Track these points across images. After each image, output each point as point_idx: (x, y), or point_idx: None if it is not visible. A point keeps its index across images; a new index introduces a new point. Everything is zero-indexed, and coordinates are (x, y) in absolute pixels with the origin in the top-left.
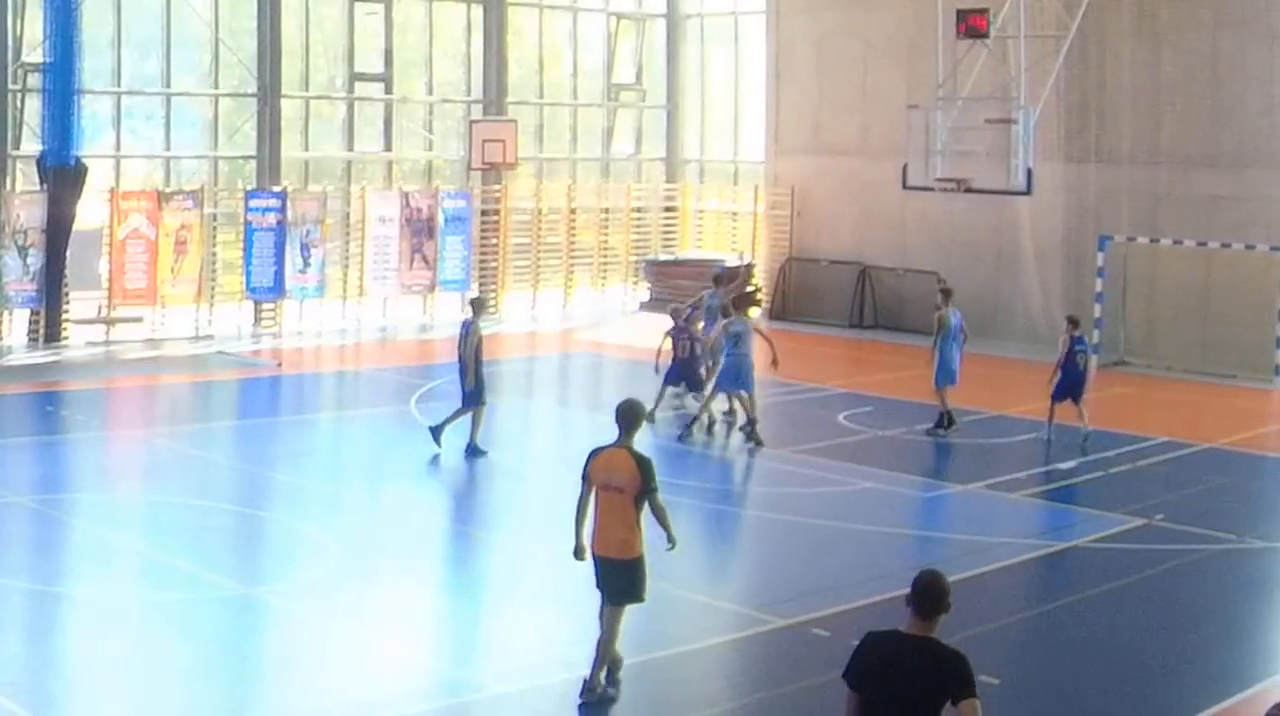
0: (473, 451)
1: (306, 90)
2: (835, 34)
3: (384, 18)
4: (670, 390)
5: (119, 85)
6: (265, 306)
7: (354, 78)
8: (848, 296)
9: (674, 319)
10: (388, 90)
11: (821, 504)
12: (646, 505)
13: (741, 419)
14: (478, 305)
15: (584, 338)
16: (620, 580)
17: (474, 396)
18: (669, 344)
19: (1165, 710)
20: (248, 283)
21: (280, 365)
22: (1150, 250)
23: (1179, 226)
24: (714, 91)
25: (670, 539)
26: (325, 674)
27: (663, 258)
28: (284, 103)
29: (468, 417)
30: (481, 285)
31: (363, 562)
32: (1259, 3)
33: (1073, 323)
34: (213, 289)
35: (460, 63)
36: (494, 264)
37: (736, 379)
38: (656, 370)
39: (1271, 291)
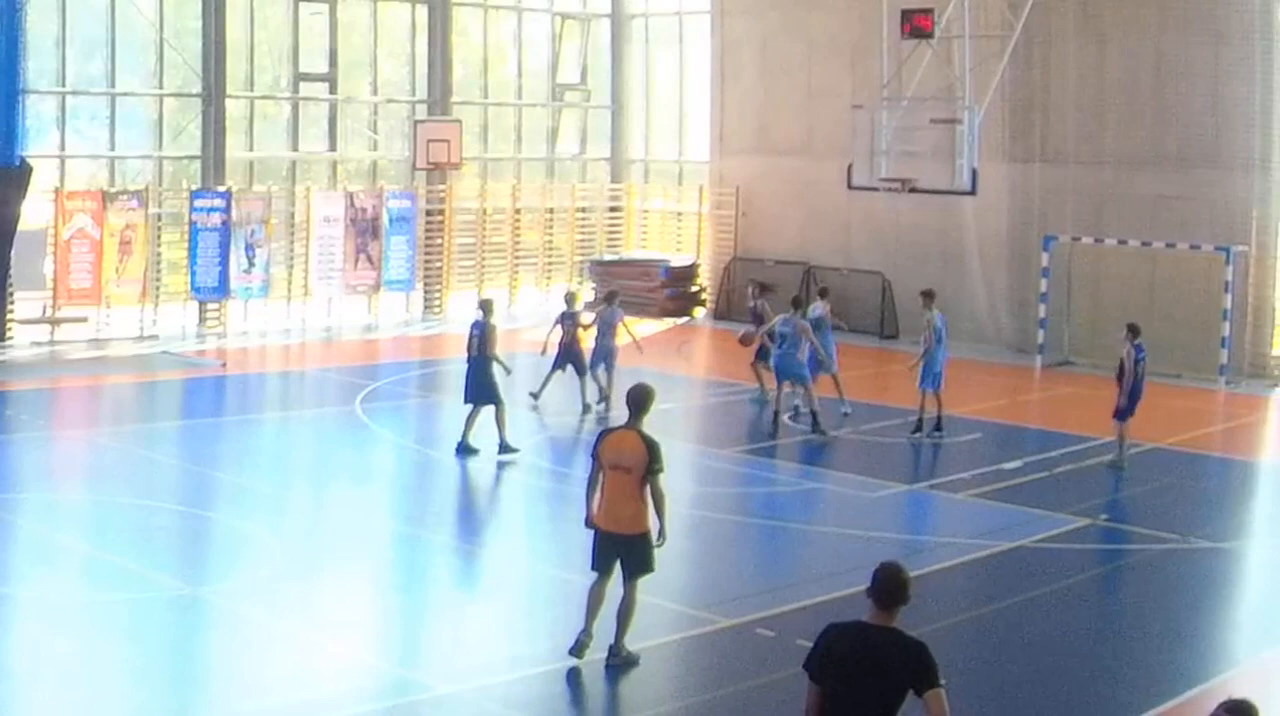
0: (505, 449)
1: (251, 90)
2: (780, 34)
3: (329, 18)
4: (558, 374)
5: (64, 85)
6: (210, 306)
7: (299, 78)
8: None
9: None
10: (332, 90)
11: (766, 504)
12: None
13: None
14: (487, 306)
15: (528, 338)
16: (632, 553)
17: (489, 396)
18: (559, 332)
19: (1110, 710)
20: (192, 283)
21: (225, 365)
22: (1095, 250)
23: (1123, 226)
24: (659, 91)
25: (662, 532)
26: (270, 674)
27: (607, 257)
28: (229, 103)
29: (479, 418)
30: (426, 285)
31: (307, 563)
32: (1203, 3)
33: (1133, 332)
34: (158, 289)
35: (405, 63)
36: (439, 264)
37: (805, 365)
38: (544, 352)
39: (1216, 291)
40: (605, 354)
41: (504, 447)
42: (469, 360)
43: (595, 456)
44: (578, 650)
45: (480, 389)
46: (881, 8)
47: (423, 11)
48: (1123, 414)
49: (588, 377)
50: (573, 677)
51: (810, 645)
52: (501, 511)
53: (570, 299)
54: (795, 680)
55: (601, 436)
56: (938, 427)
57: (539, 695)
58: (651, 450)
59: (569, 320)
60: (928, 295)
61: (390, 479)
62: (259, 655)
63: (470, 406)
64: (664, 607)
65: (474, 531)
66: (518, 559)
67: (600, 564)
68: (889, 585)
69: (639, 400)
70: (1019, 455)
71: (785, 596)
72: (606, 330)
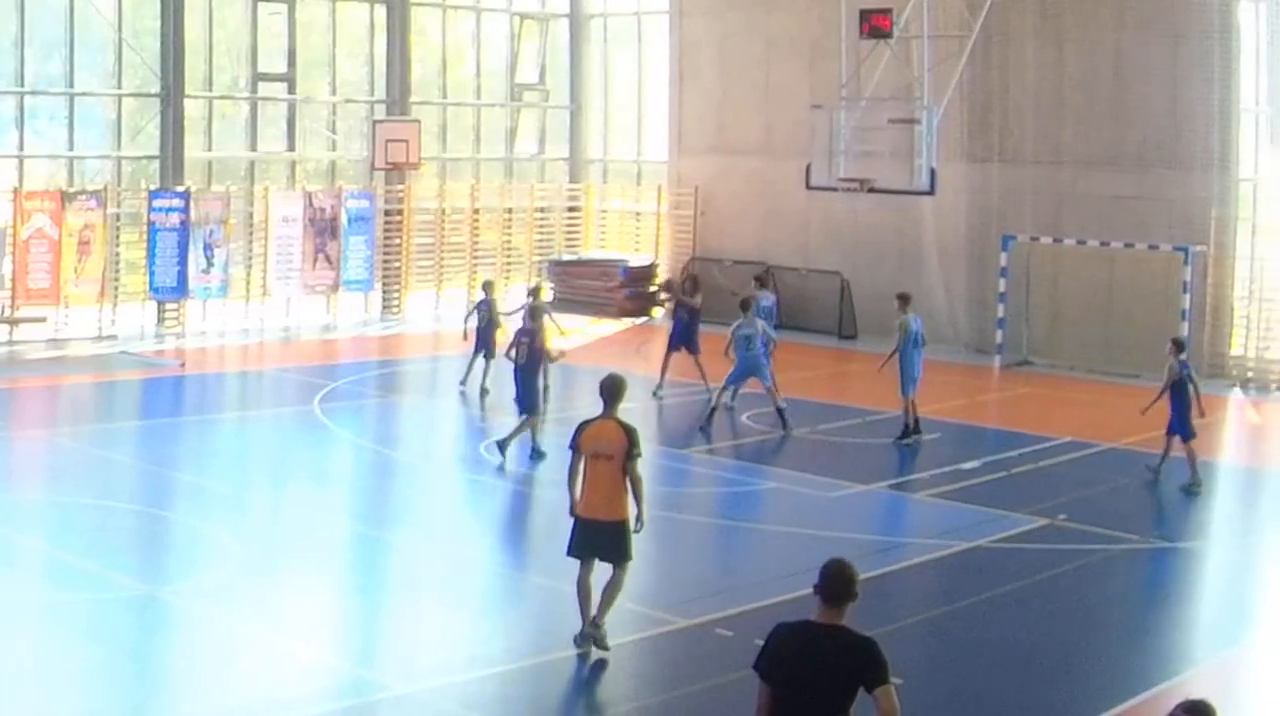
0: (535, 454)
1: (210, 90)
2: (738, 34)
3: (287, 18)
4: (479, 363)
5: (22, 85)
6: (169, 306)
7: (257, 78)
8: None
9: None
10: (291, 90)
11: (725, 504)
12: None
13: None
14: (489, 287)
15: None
16: (612, 540)
17: (531, 404)
18: (475, 320)
19: (1068, 710)
20: (151, 283)
21: (184, 365)
22: (1053, 250)
23: (1082, 226)
24: (617, 91)
25: (640, 518)
26: (228, 674)
27: (566, 257)
28: (187, 103)
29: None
30: (385, 285)
31: (266, 563)
32: (1162, 3)
33: (1178, 346)
34: (116, 289)
35: (364, 62)
36: (397, 264)
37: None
38: (465, 336)
39: (1174, 291)
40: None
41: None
42: (517, 368)
43: (575, 447)
44: (583, 641)
45: (523, 394)
46: (840, 8)
47: (381, 11)
48: (1185, 433)
49: (493, 364)
50: (530, 678)
51: None
52: (459, 512)
53: (488, 287)
54: (753, 679)
55: (580, 428)
56: (913, 431)
57: (496, 695)
58: (630, 436)
59: (485, 308)
60: (903, 298)
61: (349, 479)
62: (217, 655)
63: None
64: (622, 608)
65: (432, 532)
66: (475, 559)
67: (580, 551)
68: (836, 582)
69: (613, 389)
70: (977, 455)
71: (743, 596)
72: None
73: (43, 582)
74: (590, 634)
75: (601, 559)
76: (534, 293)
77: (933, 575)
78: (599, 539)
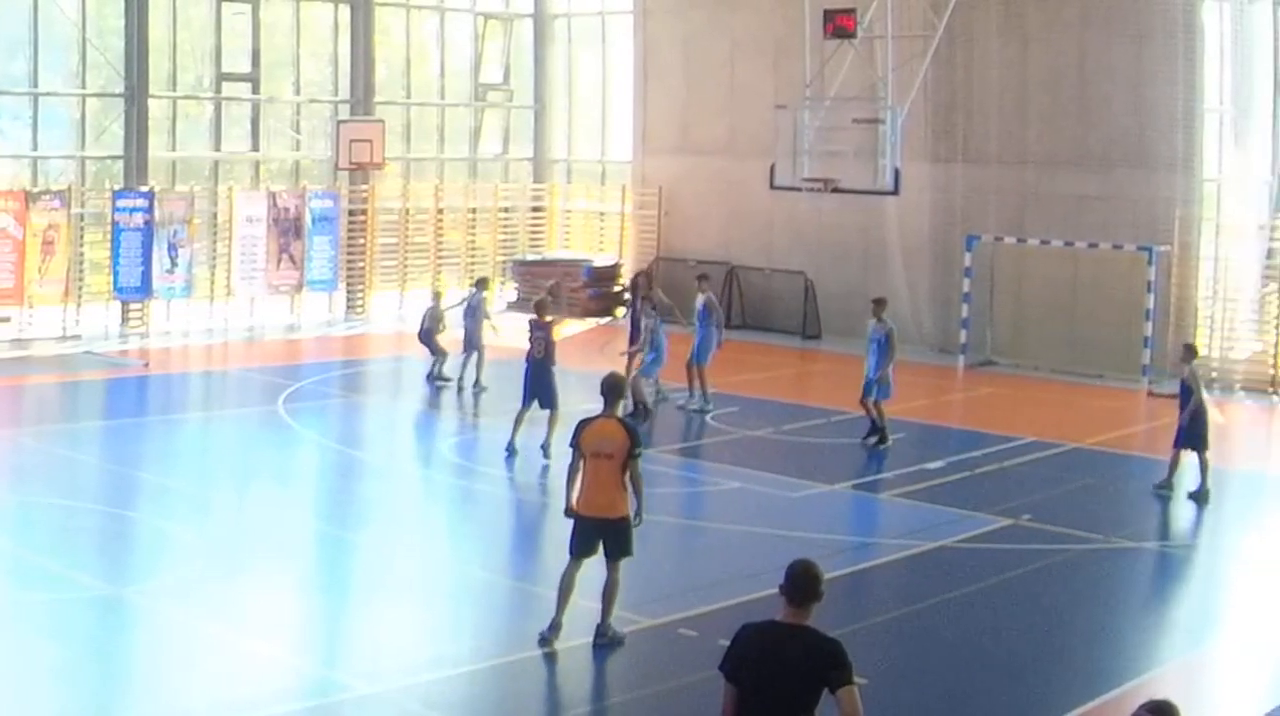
0: (545, 451)
1: (174, 90)
2: (703, 34)
3: (251, 18)
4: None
5: None
6: (133, 306)
7: (221, 78)
8: (715, 296)
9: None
10: (255, 90)
11: (689, 504)
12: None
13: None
14: (484, 283)
15: (450, 337)
16: (614, 537)
17: (548, 399)
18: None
19: (1032, 710)
20: (115, 283)
21: (148, 365)
22: (1017, 250)
23: (1046, 226)
24: (581, 91)
25: (639, 513)
26: (192, 674)
27: (530, 257)
28: (151, 103)
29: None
30: (349, 285)
31: (230, 563)
32: (1125, 3)
33: (1191, 352)
34: (80, 289)
35: (327, 63)
36: (361, 264)
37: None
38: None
39: (1138, 291)
40: (470, 339)
41: (546, 450)
42: (530, 361)
43: (576, 446)
44: (551, 634)
45: (544, 391)
46: (804, 8)
47: (345, 11)
48: (1198, 444)
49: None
50: (494, 678)
51: None
52: (424, 511)
53: (436, 296)
54: (718, 680)
55: (580, 427)
56: (875, 435)
57: (461, 695)
58: (632, 436)
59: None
60: (879, 303)
61: (313, 479)
62: (181, 655)
63: (522, 407)
64: (586, 607)
65: (396, 531)
66: (440, 559)
67: (580, 548)
68: (801, 582)
69: (613, 389)
70: (941, 455)
71: (707, 596)
72: (471, 314)
73: (6, 582)
74: (601, 644)
75: (605, 554)
76: (481, 284)
77: (897, 575)
78: (602, 536)
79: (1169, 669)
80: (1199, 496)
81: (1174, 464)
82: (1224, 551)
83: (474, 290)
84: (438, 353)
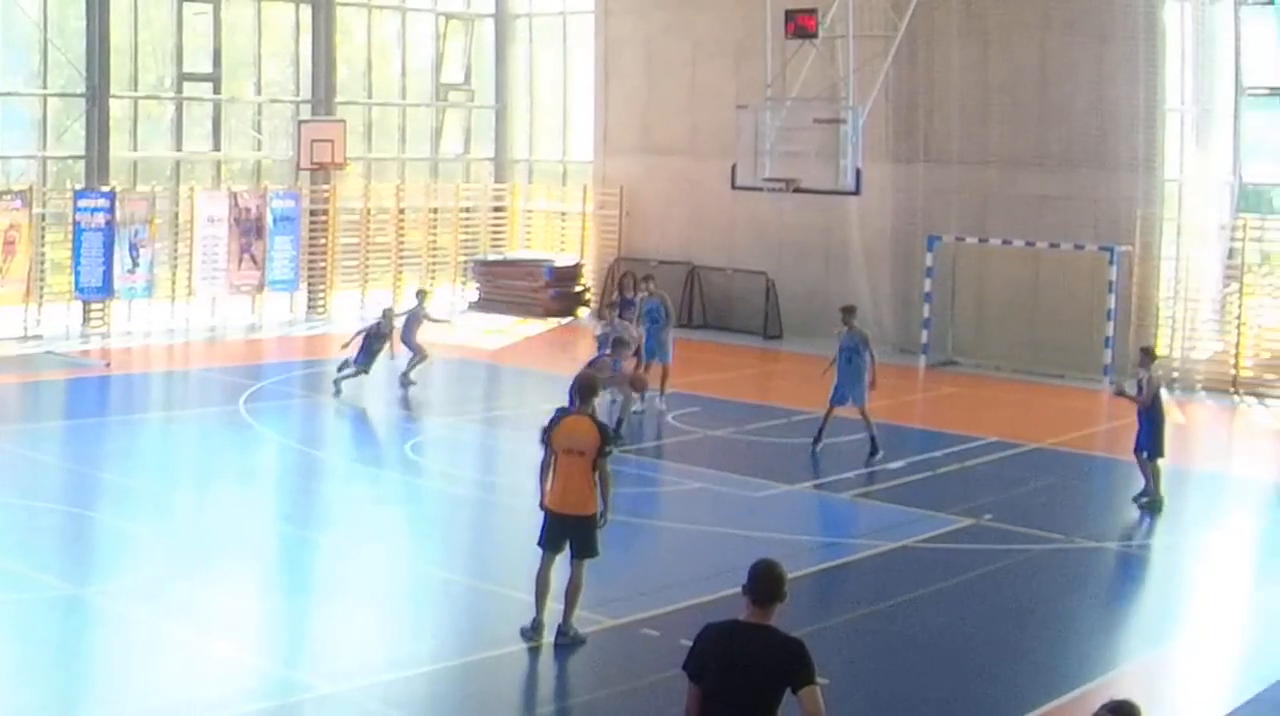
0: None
1: (135, 90)
2: (664, 34)
3: (212, 18)
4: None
5: None
6: (94, 306)
7: (182, 78)
8: (676, 296)
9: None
10: (216, 90)
11: (651, 504)
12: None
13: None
14: (422, 296)
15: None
16: (581, 534)
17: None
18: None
19: (994, 710)
20: (76, 283)
21: (109, 365)
22: (979, 250)
23: (1008, 226)
24: (543, 91)
25: (604, 512)
26: (154, 674)
27: (491, 257)
28: (113, 103)
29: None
30: (310, 285)
31: (191, 563)
32: (1087, 3)
33: (1149, 355)
34: (41, 289)
35: (289, 63)
36: (323, 264)
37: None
38: (345, 345)
39: (1100, 291)
40: (409, 344)
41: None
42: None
43: (547, 442)
44: (534, 632)
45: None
46: (765, 8)
47: (306, 11)
48: (1153, 451)
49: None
50: (456, 677)
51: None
52: (385, 512)
53: (420, 295)
54: (680, 680)
55: (553, 423)
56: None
57: (421, 694)
58: (604, 434)
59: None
60: (847, 311)
61: (274, 479)
62: (143, 656)
63: None
64: (549, 607)
65: (357, 532)
66: (400, 559)
67: (550, 543)
68: (764, 582)
69: (586, 387)
70: (902, 455)
71: (670, 596)
72: (412, 323)
73: None
74: (562, 643)
75: (571, 552)
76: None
77: (859, 575)
78: (570, 532)
79: (1130, 668)
80: (1151, 504)
81: (1152, 473)
82: (1185, 551)
83: (416, 302)
84: (418, 353)
